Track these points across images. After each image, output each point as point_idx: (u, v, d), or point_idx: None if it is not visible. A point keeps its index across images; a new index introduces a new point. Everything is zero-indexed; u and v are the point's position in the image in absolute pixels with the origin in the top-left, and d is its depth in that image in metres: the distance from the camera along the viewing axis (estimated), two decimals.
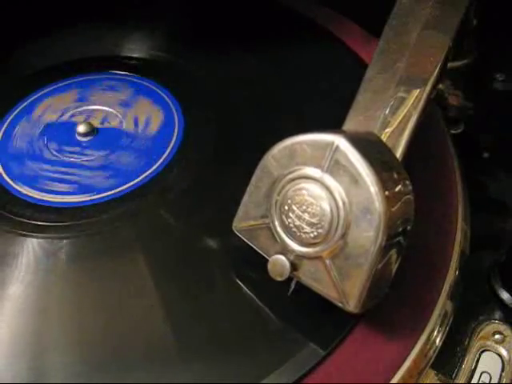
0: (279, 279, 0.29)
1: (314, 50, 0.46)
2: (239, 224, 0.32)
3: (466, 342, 0.35)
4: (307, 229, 0.28)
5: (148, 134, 0.41)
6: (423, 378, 0.32)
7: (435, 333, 0.33)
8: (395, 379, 0.31)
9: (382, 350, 0.31)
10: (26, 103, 0.44)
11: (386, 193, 0.27)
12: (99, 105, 0.43)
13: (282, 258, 0.29)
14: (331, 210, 0.28)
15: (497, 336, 0.35)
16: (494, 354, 0.34)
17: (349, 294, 0.28)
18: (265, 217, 0.30)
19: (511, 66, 0.48)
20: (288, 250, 0.29)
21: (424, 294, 0.33)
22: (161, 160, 0.39)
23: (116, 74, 0.45)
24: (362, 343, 0.31)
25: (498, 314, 0.37)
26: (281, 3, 0.50)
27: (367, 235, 0.27)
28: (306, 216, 0.28)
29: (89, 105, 0.43)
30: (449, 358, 0.34)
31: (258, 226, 0.31)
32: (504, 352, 0.34)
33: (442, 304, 0.33)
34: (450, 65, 0.43)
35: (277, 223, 0.30)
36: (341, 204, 0.27)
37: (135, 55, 0.47)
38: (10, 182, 0.39)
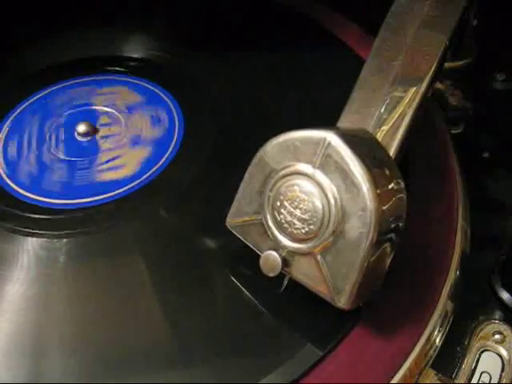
0: (271, 275, 0.29)
1: (313, 49, 0.46)
2: (232, 220, 0.32)
3: (466, 342, 0.35)
4: (299, 225, 0.28)
5: (147, 134, 0.41)
6: (423, 378, 0.32)
7: (435, 333, 0.33)
8: (395, 379, 0.30)
9: (382, 350, 0.31)
10: (26, 104, 0.44)
11: (378, 190, 0.27)
12: (99, 105, 0.43)
13: (274, 253, 0.29)
14: (323, 207, 0.28)
15: (497, 336, 0.35)
16: (494, 354, 0.34)
17: (339, 290, 0.28)
18: (257, 213, 0.30)
19: (511, 66, 0.48)
20: (280, 245, 0.29)
21: (424, 294, 0.33)
22: (161, 161, 0.39)
23: (116, 74, 0.46)
24: (361, 343, 0.31)
25: (498, 314, 0.36)
26: (280, 3, 0.50)
27: (358, 232, 0.27)
28: (298, 212, 0.28)
29: (89, 105, 0.43)
30: (449, 357, 0.34)
31: (250, 221, 0.31)
32: (504, 352, 0.34)
33: (443, 304, 0.33)
34: (450, 65, 0.43)
35: (269, 219, 0.30)
36: (332, 200, 0.27)
37: (135, 55, 0.47)
38: (10, 182, 0.39)
